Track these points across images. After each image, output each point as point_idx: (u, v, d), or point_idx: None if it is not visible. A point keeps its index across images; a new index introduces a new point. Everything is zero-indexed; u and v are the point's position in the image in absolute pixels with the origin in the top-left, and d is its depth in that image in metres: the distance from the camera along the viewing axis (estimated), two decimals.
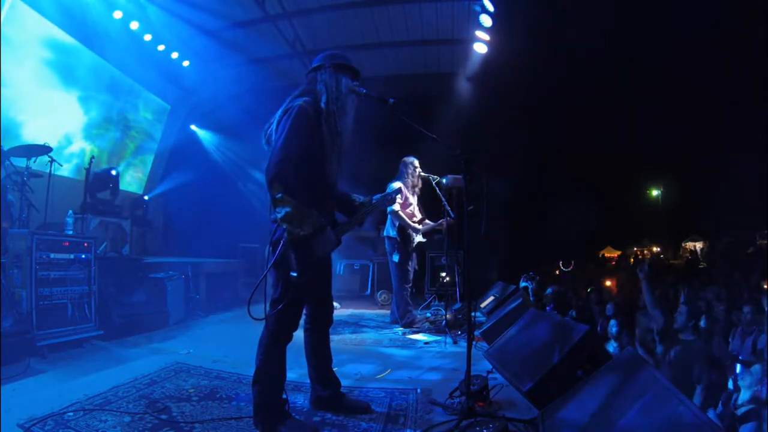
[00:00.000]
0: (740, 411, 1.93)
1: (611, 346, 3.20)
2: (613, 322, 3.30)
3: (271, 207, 1.94)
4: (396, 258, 4.71)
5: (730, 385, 2.09)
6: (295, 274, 1.93)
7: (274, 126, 2.08)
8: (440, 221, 4.82)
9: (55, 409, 2.18)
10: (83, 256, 3.58)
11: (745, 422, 1.87)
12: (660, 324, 2.96)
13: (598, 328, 3.56)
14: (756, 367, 2.04)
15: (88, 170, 5.22)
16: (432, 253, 6.75)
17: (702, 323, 2.96)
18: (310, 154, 2.02)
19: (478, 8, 6.12)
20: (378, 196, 2.44)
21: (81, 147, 6.53)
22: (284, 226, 1.88)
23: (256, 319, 1.99)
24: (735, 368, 2.13)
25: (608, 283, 5.75)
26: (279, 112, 2.08)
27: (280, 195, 1.87)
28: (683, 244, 18.71)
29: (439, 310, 5.25)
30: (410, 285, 4.82)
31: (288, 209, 1.86)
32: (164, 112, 8.29)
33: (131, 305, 4.05)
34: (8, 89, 4.94)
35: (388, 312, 5.05)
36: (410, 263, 4.80)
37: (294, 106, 2.03)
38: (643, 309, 3.56)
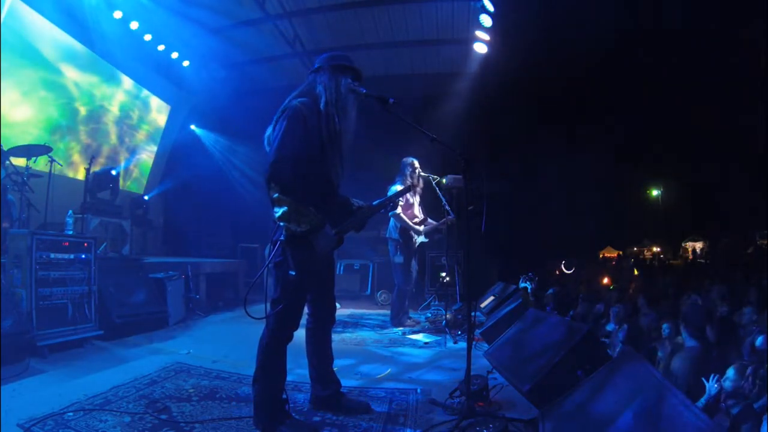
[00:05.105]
0: (734, 411, 1.93)
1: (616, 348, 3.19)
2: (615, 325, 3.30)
3: (271, 207, 1.95)
4: (400, 260, 4.70)
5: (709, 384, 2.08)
6: (293, 273, 1.94)
7: (272, 128, 2.08)
8: (443, 220, 4.80)
9: (55, 409, 2.18)
10: (83, 256, 3.57)
11: (743, 422, 1.87)
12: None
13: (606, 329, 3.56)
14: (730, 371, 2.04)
15: (88, 170, 5.21)
16: (432, 253, 6.75)
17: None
18: (307, 155, 2.02)
19: (478, 8, 6.12)
20: (377, 201, 2.40)
21: (80, 147, 6.53)
22: (282, 224, 1.91)
23: (254, 318, 2.00)
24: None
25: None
26: (277, 113, 2.09)
27: (276, 195, 1.90)
28: (683, 244, 18.67)
29: (439, 310, 5.25)
30: (411, 287, 4.82)
31: (285, 208, 1.89)
32: (164, 112, 8.29)
33: (131, 305, 4.04)
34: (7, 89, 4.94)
35: (388, 312, 5.05)
36: (412, 264, 4.80)
37: (290, 107, 2.04)
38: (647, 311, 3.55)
